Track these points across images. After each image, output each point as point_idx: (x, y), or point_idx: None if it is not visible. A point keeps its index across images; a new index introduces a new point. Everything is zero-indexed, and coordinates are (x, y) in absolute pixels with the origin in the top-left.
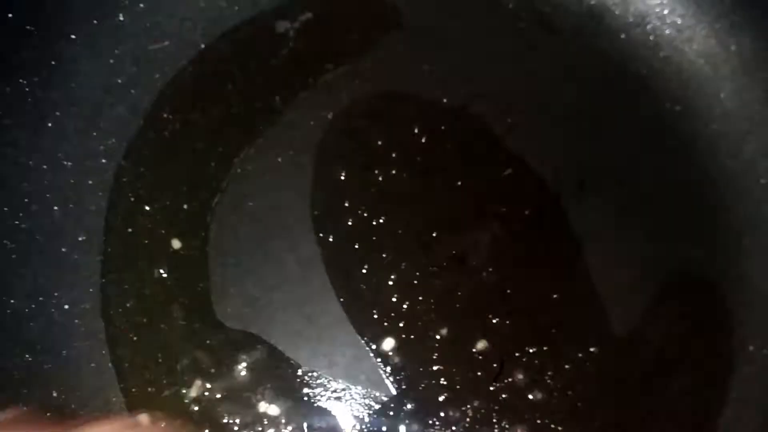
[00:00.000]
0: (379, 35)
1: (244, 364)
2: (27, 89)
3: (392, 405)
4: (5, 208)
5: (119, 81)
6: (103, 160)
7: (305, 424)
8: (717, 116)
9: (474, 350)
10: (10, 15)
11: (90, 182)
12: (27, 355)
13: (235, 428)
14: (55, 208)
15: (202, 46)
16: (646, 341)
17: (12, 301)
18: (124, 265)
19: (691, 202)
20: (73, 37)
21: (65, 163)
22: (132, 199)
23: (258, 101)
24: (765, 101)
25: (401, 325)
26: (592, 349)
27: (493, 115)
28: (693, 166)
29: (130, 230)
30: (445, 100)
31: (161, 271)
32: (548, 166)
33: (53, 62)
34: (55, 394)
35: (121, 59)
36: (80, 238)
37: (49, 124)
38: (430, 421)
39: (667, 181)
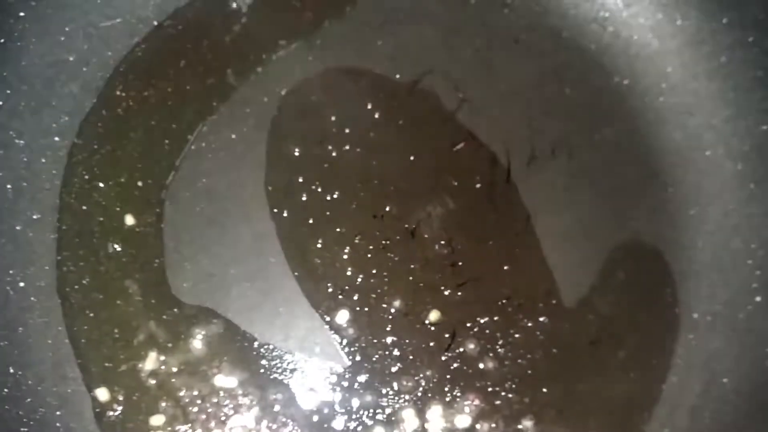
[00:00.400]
0: (332, 11)
1: (200, 338)
2: None
3: (347, 376)
4: None
5: (70, 59)
6: (56, 138)
7: (261, 396)
8: (664, 90)
9: (426, 321)
10: None
11: (43, 160)
12: None
13: (192, 401)
14: (8, 186)
15: (155, 23)
16: (594, 311)
17: None
18: (79, 242)
19: (640, 174)
20: (21, 14)
21: (17, 141)
22: (86, 176)
23: (211, 78)
24: (710, 75)
25: (355, 297)
26: (541, 319)
27: (445, 90)
28: (641, 139)
29: (84, 207)
30: (397, 76)
31: (116, 247)
32: (499, 140)
33: (2, 40)
34: (11, 370)
35: (71, 37)
36: (34, 216)
37: (0, 103)
38: (384, 391)
39: (616, 154)
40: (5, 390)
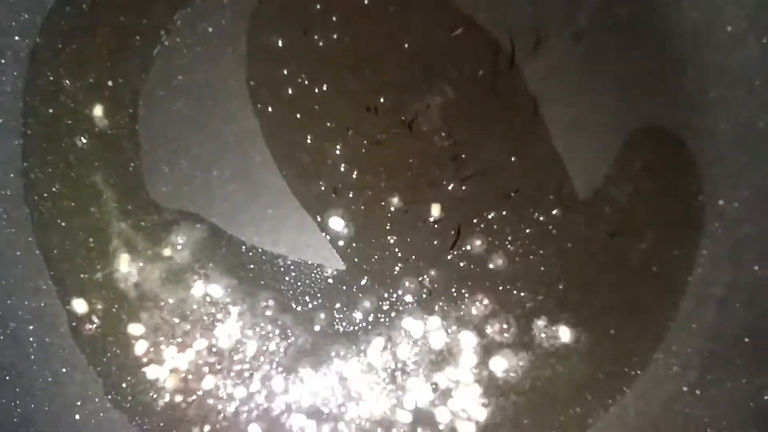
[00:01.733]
0: None
1: (182, 244)
2: None
3: (345, 279)
4: None
5: None
6: (17, 38)
7: (251, 303)
8: None
9: (428, 219)
10: None
11: (2, 61)
12: None
13: (174, 310)
14: None
15: None
16: (611, 201)
17: None
18: (46, 147)
19: (654, 55)
20: None
21: None
22: (50, 77)
23: None
24: None
25: (350, 195)
26: (554, 212)
27: None
28: (655, 19)
29: (50, 110)
30: None
31: (87, 151)
32: (500, 23)
33: None
34: None
35: None
36: None
37: None
38: (386, 294)
39: (628, 34)
40: None
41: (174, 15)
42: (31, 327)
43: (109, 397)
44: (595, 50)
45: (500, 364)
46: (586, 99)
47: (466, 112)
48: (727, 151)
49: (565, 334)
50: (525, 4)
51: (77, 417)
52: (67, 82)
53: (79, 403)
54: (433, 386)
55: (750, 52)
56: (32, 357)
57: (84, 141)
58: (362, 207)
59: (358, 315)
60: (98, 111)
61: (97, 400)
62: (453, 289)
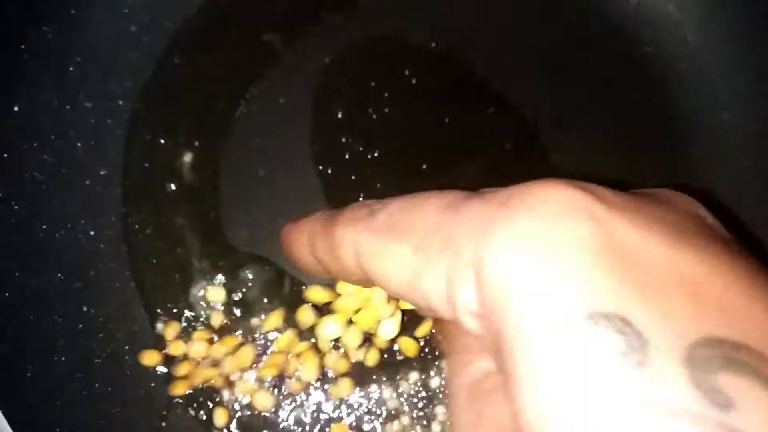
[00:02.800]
0: None
1: (251, 281)
2: (50, 36)
3: None
4: (34, 144)
5: (133, 29)
6: (121, 102)
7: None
8: (684, 57)
9: None
10: None
11: (109, 121)
12: (59, 275)
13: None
14: (78, 144)
15: None
16: None
17: (44, 226)
18: (143, 196)
19: (660, 135)
20: None
21: (86, 104)
22: (147, 136)
23: (260, 47)
24: (726, 42)
25: None
26: None
27: (476, 58)
28: (660, 103)
29: (146, 164)
30: (433, 45)
31: (176, 201)
32: (527, 105)
33: (72, 11)
34: (85, 309)
35: (134, 8)
36: (102, 172)
37: (71, 68)
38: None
39: (637, 116)
40: (80, 326)
41: (251, 87)
42: (126, 347)
43: (190, 409)
44: (608, 129)
45: None
46: (596, 167)
47: (494, 180)
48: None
49: None
50: (549, 90)
51: (163, 425)
52: (162, 141)
53: (164, 412)
54: None
55: (742, 138)
56: (128, 373)
57: (173, 191)
58: None
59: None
60: (187, 166)
61: (179, 411)
62: None
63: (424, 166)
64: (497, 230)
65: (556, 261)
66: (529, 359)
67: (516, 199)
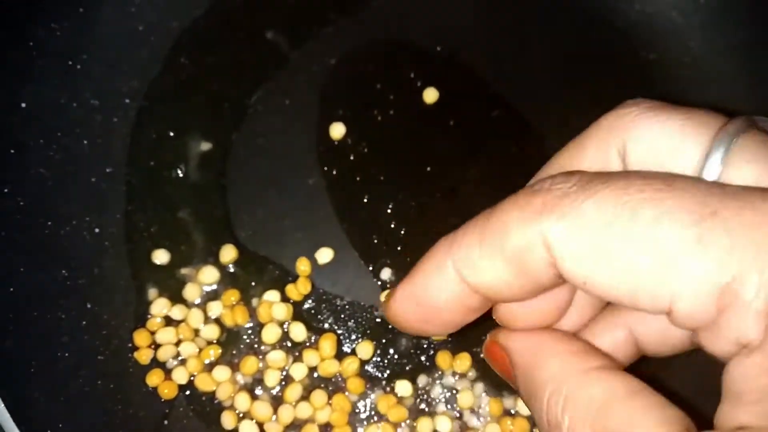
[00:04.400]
0: None
1: (254, 281)
2: (58, 33)
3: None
4: (40, 140)
5: (140, 28)
6: (127, 100)
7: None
8: (687, 64)
9: None
10: None
11: (115, 119)
12: (63, 271)
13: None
14: (85, 142)
15: None
16: None
17: (49, 223)
18: (147, 194)
19: None
20: None
21: (93, 102)
22: (153, 135)
23: (266, 48)
24: (731, 50)
25: (398, 248)
26: None
27: (481, 61)
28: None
29: (151, 163)
30: (438, 48)
31: (181, 199)
32: (532, 108)
33: (81, 9)
34: (89, 306)
35: (142, 8)
36: (107, 170)
37: (78, 66)
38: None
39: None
40: (83, 322)
41: (257, 87)
42: (129, 345)
43: (192, 407)
44: None
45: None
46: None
47: (499, 181)
48: None
49: None
50: (554, 93)
51: (165, 423)
52: (167, 140)
53: (167, 410)
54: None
55: None
56: (131, 370)
57: (178, 189)
58: (408, 259)
59: (396, 353)
60: (192, 165)
61: (181, 409)
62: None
63: (428, 168)
64: None
65: None
66: None
67: None
